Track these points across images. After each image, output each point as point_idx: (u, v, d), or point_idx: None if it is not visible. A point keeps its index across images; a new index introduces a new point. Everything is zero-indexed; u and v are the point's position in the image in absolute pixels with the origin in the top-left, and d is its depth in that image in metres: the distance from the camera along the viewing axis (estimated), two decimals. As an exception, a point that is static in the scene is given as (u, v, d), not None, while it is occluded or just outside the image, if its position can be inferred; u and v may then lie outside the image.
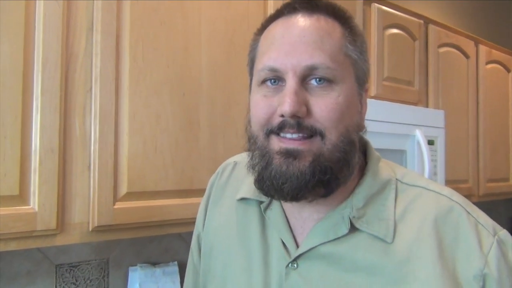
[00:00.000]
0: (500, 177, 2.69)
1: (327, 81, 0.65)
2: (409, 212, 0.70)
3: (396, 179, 0.74)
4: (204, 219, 0.88)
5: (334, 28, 0.68)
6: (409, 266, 0.66)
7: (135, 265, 1.53)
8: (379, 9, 1.95)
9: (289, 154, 0.65)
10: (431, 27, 2.25)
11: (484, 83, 2.58)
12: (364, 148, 0.76)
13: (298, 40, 0.66)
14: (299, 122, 0.64)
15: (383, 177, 0.73)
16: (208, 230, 0.86)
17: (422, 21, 2.19)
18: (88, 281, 1.44)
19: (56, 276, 1.38)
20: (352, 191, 0.71)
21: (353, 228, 0.69)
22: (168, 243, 1.63)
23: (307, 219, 0.72)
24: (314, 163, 0.64)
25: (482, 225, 0.68)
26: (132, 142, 1.16)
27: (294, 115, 0.64)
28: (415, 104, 2.10)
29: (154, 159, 1.19)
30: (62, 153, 1.05)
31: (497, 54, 2.73)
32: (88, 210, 1.09)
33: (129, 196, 1.15)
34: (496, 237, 0.67)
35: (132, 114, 1.16)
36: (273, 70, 0.67)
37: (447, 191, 0.72)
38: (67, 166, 1.06)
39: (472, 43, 2.53)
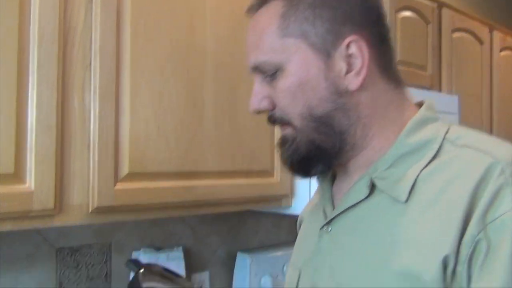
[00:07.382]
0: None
1: (272, 73, 0.70)
2: (438, 172, 0.65)
3: (445, 138, 0.68)
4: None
5: (273, 14, 0.69)
6: (416, 227, 0.64)
7: (139, 250, 1.49)
8: (391, -10, 1.89)
9: (281, 143, 0.73)
10: (445, 10, 2.18)
11: (498, 70, 2.52)
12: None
13: (246, 45, 0.74)
14: (271, 115, 0.72)
15: (423, 136, 0.68)
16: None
17: (435, 4, 2.13)
18: (90, 265, 1.40)
19: (56, 260, 1.34)
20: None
21: (376, 190, 0.69)
22: (172, 227, 1.59)
23: (345, 186, 0.75)
24: (294, 148, 0.71)
25: None
26: (133, 121, 1.11)
27: (260, 111, 0.73)
28: (428, 88, 2.05)
29: (156, 139, 1.15)
30: (60, 131, 1.01)
31: (511, 41, 2.66)
32: (88, 190, 1.05)
33: (131, 177, 1.11)
34: None
35: (134, 92, 1.11)
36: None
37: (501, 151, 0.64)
38: (65, 145, 1.02)
39: (486, 28, 2.47)
